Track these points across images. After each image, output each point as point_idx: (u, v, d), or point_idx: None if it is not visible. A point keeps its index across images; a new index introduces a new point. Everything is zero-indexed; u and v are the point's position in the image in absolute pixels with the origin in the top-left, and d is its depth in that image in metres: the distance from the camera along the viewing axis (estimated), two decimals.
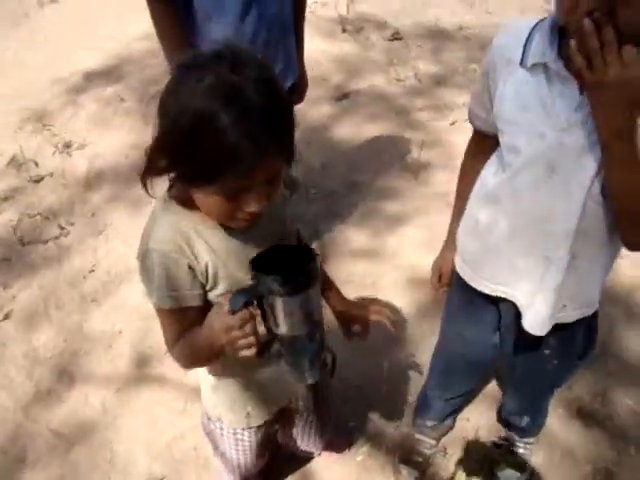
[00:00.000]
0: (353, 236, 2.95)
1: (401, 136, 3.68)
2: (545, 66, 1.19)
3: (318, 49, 4.26)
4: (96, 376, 2.41)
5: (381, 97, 4.07)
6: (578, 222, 1.27)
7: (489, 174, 1.42)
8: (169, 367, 2.39)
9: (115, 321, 2.58)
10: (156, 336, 2.50)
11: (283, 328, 1.09)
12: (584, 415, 2.29)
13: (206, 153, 0.96)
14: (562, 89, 1.18)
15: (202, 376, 1.48)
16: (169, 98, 1.00)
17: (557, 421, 2.23)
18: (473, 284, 1.54)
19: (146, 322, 2.56)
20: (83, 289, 2.71)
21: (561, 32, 1.16)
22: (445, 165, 3.45)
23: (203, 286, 1.17)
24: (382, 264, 2.82)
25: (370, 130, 3.74)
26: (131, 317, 2.59)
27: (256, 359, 1.11)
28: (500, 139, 1.34)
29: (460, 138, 3.56)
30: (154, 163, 1.07)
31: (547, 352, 1.58)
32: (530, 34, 1.22)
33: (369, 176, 3.39)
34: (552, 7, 1.13)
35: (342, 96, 4.04)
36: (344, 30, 4.79)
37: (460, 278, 1.59)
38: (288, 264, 1.08)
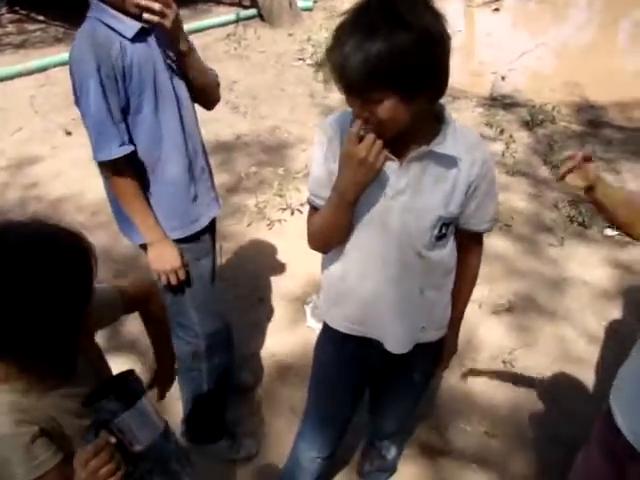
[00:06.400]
0: None
1: None
2: None
3: None
4: None
5: None
6: (410, 265, 1.51)
7: None
8: None
9: None
10: None
11: (141, 439, 1.06)
12: (427, 449, 2.47)
13: None
14: (387, 164, 1.38)
15: None
16: None
17: (405, 464, 2.39)
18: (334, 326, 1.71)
19: None
20: None
21: None
22: (247, 263, 3.66)
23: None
24: None
25: None
26: None
27: None
28: None
29: (257, 236, 3.80)
30: None
31: (413, 368, 1.78)
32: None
33: None
34: None
35: None
36: None
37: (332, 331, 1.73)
38: (112, 390, 1.08)
